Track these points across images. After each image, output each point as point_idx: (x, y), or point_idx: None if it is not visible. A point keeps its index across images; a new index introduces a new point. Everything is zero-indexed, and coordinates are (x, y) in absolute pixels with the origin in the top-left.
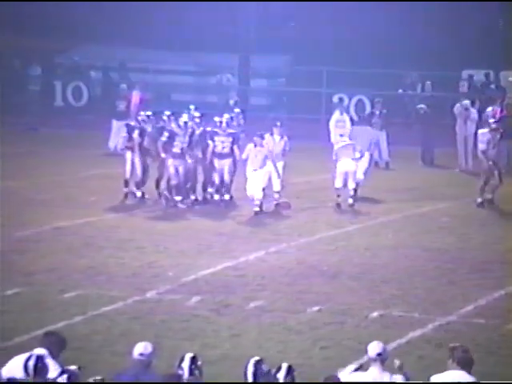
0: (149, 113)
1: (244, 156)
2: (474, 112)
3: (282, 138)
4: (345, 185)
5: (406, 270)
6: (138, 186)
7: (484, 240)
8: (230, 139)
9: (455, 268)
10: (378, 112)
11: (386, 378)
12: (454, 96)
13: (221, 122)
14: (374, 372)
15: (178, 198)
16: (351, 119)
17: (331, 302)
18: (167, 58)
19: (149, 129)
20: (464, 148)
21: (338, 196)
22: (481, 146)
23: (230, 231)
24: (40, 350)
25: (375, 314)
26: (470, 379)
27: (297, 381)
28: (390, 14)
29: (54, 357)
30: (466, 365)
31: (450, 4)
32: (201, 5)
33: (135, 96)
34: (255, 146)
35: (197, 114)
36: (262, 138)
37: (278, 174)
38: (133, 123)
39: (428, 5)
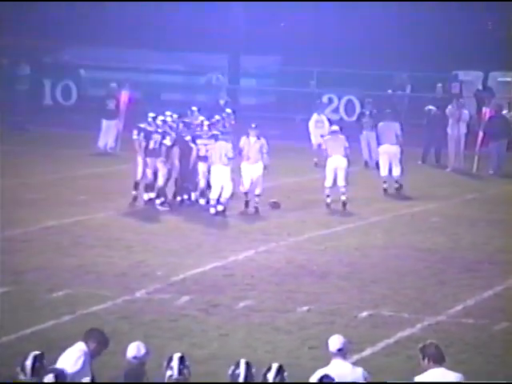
0: (152, 114)
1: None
2: (466, 113)
3: (258, 139)
4: (335, 183)
5: (396, 269)
6: (147, 189)
7: (473, 240)
8: (212, 141)
9: (445, 268)
10: (368, 112)
11: (348, 368)
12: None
13: (202, 125)
14: (336, 364)
15: (159, 201)
16: (328, 119)
17: (320, 302)
18: (157, 57)
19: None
20: (455, 148)
21: (328, 196)
22: None
23: (219, 231)
24: (80, 345)
25: (364, 313)
26: (453, 375)
27: (287, 381)
28: (380, 15)
29: (92, 354)
30: (440, 360)
31: (440, 4)
32: (192, 4)
33: (124, 95)
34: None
35: (196, 113)
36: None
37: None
38: (142, 125)
39: (417, 4)
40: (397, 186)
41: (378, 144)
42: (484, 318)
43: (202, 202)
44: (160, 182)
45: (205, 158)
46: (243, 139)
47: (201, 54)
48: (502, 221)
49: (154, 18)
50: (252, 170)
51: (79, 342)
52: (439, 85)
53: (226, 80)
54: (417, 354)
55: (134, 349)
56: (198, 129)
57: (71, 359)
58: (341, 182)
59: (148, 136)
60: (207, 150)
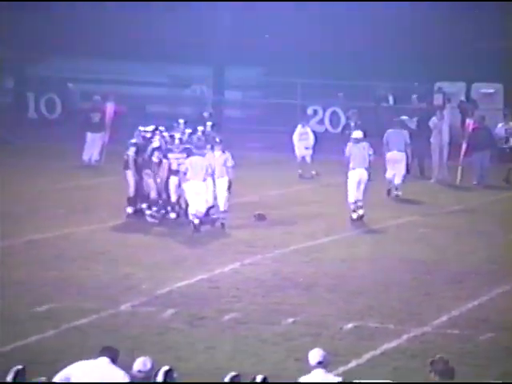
0: (148, 128)
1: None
2: (446, 120)
3: (223, 153)
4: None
5: (381, 281)
6: (130, 202)
7: (459, 251)
8: (185, 155)
9: (431, 279)
10: (353, 123)
11: (328, 378)
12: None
13: (173, 139)
14: (317, 374)
15: (149, 212)
16: (313, 131)
17: (306, 314)
18: (141, 69)
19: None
20: (439, 159)
21: (354, 211)
22: None
23: (205, 243)
24: (103, 359)
25: (350, 325)
26: None
27: None
28: (363, 26)
29: (115, 363)
30: (447, 376)
31: (422, 16)
32: (176, 16)
33: (109, 108)
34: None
35: (181, 126)
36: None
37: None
38: (134, 141)
39: (400, 16)
40: (396, 193)
41: (386, 151)
42: (469, 329)
43: (173, 215)
44: (150, 193)
45: (176, 173)
46: (208, 152)
47: (185, 66)
48: (486, 231)
49: (138, 31)
50: (216, 185)
51: (102, 357)
52: (414, 96)
53: (210, 92)
54: (403, 365)
55: (141, 363)
56: (170, 142)
57: (119, 376)
58: (359, 196)
59: (139, 150)
60: (179, 164)
